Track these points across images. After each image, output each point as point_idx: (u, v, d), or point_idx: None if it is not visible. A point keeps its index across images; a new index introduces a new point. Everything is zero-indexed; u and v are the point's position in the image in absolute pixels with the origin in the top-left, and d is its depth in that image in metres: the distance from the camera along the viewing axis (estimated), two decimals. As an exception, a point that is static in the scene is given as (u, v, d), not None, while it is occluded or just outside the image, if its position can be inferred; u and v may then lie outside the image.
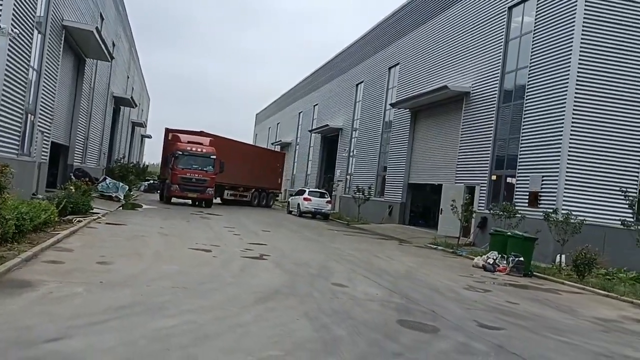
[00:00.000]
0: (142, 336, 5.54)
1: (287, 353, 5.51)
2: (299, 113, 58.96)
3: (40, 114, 19.35)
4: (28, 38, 16.91)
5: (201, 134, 32.43)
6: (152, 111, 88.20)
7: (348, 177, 40.99)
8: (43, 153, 20.52)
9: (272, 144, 67.61)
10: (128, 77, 47.72)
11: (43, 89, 19.32)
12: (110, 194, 25.19)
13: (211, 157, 29.46)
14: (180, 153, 28.79)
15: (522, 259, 14.96)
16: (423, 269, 13.95)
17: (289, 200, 37.90)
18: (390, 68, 35.55)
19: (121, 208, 22.62)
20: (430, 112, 29.54)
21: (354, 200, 32.70)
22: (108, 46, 27.19)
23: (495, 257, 15.57)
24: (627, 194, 14.80)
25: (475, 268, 15.54)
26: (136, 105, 49.65)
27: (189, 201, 30.09)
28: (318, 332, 6.43)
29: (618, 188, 16.30)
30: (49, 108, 20.67)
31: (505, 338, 7.24)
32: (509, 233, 16.10)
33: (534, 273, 15.24)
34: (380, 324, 7.20)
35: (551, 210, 16.77)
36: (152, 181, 46.03)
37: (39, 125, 19.25)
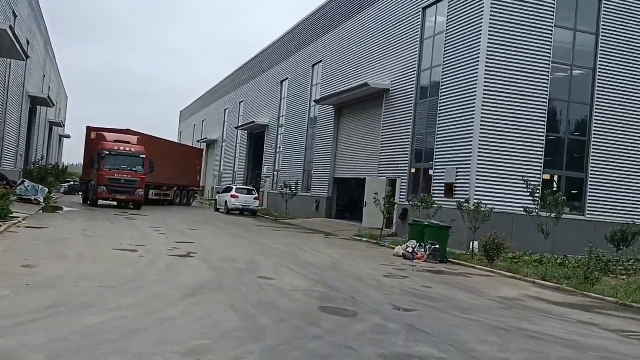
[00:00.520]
0: (71, 333, 5.75)
1: (213, 341, 5.88)
2: (225, 110, 58.66)
3: (-50, 115, 18.49)
4: None
5: (128, 132, 31.38)
6: (70, 110, 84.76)
7: (275, 173, 41.37)
8: (-46, 156, 19.61)
9: (198, 141, 66.83)
10: (44, 76, 45.78)
11: (-48, 90, 18.47)
12: (30, 197, 24.33)
13: (141, 156, 28.42)
14: (107, 153, 27.53)
15: (438, 246, 15.95)
16: (347, 260, 14.61)
17: (216, 197, 37.84)
18: (314, 65, 36.18)
19: (42, 211, 21.96)
20: (353, 108, 30.40)
21: (282, 196, 33.16)
22: (22, 45, 26.14)
23: (414, 246, 16.49)
24: (528, 183, 16.06)
25: (396, 257, 16.39)
26: (53, 105, 47.72)
27: (114, 202, 28.60)
28: (244, 322, 6.84)
29: (521, 178, 17.54)
30: (-41, 109, 19.76)
31: (417, 318, 7.93)
32: (426, 223, 17.08)
33: (450, 259, 16.28)
34: (303, 312, 7.69)
35: (463, 200, 17.92)
36: (72, 183, 44.57)
37: (-52, 128, 18.39)
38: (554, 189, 19.41)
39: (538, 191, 15.93)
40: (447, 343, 6.60)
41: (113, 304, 7.20)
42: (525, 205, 16.16)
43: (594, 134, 21.36)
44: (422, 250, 16.22)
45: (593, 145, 21.36)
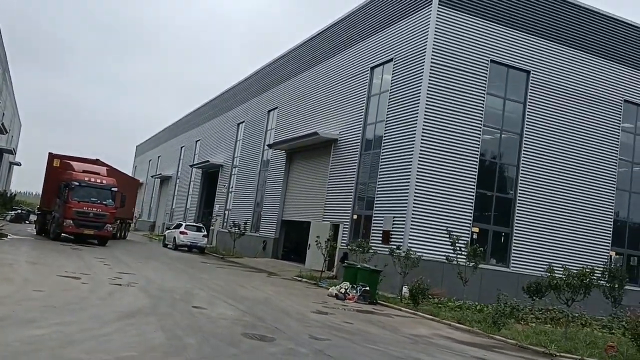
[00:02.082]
0: (15, 340, 6.59)
1: (140, 354, 6.81)
2: (181, 147, 59.34)
3: None
4: None
5: (97, 162, 30.40)
6: (23, 137, 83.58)
7: (227, 212, 42.08)
8: None
9: (152, 176, 67.01)
10: (-1, 102, 45.77)
11: None
12: (-26, 223, 24.43)
13: (112, 189, 27.13)
14: (77, 184, 25.83)
15: (368, 288, 17.12)
16: (281, 297, 15.58)
17: (165, 233, 38.21)
18: (269, 111, 37.65)
19: (-15, 237, 22.14)
20: (304, 154, 31.79)
21: (230, 235, 33.88)
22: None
23: (347, 287, 17.61)
24: (450, 234, 17.55)
25: (329, 297, 17.44)
26: (6, 132, 47.52)
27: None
28: (171, 341, 7.77)
29: (446, 230, 19.02)
30: None
31: (328, 346, 9.00)
32: (358, 266, 18.28)
33: (379, 301, 17.44)
34: (226, 336, 8.66)
35: (395, 247, 19.25)
36: (19, 211, 44.08)
37: None
38: (472, 242, 20.98)
39: (458, 242, 17.36)
40: (346, 365, 7.69)
41: (54, 320, 8.03)
42: (448, 255, 17.56)
43: (519, 192, 23.24)
44: (354, 291, 17.35)
45: (518, 202, 23.19)
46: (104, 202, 26.42)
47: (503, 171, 23.66)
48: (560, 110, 24.10)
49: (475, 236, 22.12)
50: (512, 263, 22.88)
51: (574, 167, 24.23)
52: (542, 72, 23.77)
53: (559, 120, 24.06)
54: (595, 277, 13.23)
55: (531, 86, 23.60)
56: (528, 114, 23.56)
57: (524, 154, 23.42)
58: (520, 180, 23.29)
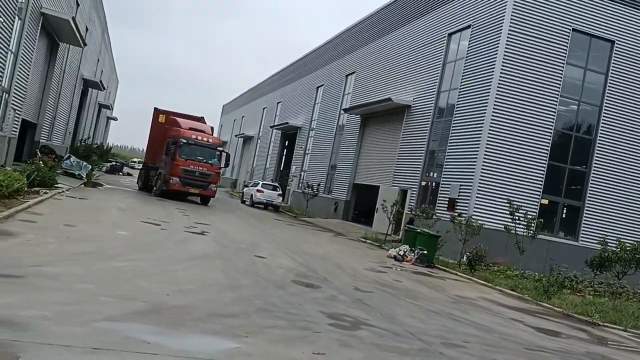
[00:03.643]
0: (99, 269, 7.90)
1: (199, 287, 7.95)
2: (263, 109, 61.20)
3: (15, 93, 21.17)
4: (9, 24, 18.80)
5: (201, 120, 29.80)
6: (120, 94, 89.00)
7: (303, 173, 43.48)
8: (14, 129, 22.31)
9: (236, 136, 69.63)
10: (98, 60, 49.11)
11: (18, 71, 21.15)
12: (74, 172, 27.03)
13: (218, 148, 26.74)
14: (185, 142, 25.22)
15: (425, 252, 17.73)
16: (341, 254, 16.55)
17: (244, 190, 40.17)
18: (347, 75, 38.19)
19: (83, 185, 24.54)
20: (377, 119, 32.27)
21: (303, 195, 35.21)
22: (82, 33, 28.95)
23: (405, 250, 18.30)
24: (510, 203, 17.69)
25: (388, 258, 18.23)
26: (104, 88, 51.06)
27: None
28: (228, 280, 8.90)
29: (507, 200, 19.05)
30: (23, 88, 22.48)
31: (369, 297, 9.84)
32: (418, 230, 18.86)
33: (436, 265, 18.03)
34: (278, 281, 9.70)
35: (456, 214, 19.61)
36: (114, 163, 47.63)
37: (12, 104, 21.08)
38: (540, 213, 20.89)
39: (517, 212, 17.49)
40: (379, 313, 8.51)
41: (133, 256, 9.38)
42: (507, 224, 17.77)
43: (594, 166, 22.70)
44: (412, 254, 18.02)
45: (592, 176, 22.70)
46: (210, 162, 25.94)
47: (579, 144, 23.12)
48: (645, 81, 23.06)
49: (544, 208, 22.05)
50: (582, 237, 22.59)
51: (656, 143, 23.25)
52: (628, 41, 22.78)
53: (642, 92, 23.06)
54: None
55: (615, 56, 22.73)
56: (609, 86, 22.78)
57: (602, 126, 22.78)
58: (597, 153, 22.74)
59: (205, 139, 26.16)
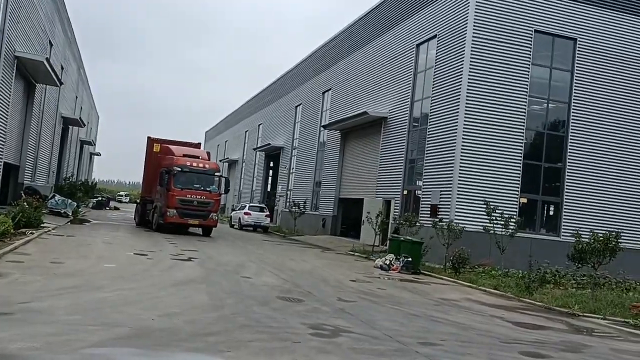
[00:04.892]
0: (86, 301, 8.18)
1: (184, 310, 8.25)
2: (245, 132, 61.67)
3: (-5, 137, 21.41)
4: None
5: (198, 146, 29.04)
6: (103, 128, 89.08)
7: (289, 192, 43.84)
8: (-4, 172, 22.50)
9: (220, 161, 69.89)
10: (77, 97, 49.38)
11: (-3, 115, 21.42)
12: (59, 210, 27.19)
13: (215, 174, 25.18)
14: (179, 169, 23.77)
15: (410, 259, 18.09)
16: (327, 269, 16.87)
17: (231, 214, 40.41)
18: (324, 92, 38.80)
19: (70, 223, 24.69)
20: (357, 133, 32.79)
21: (290, 214, 35.54)
22: (57, 72, 29.30)
23: (391, 259, 18.66)
24: (487, 204, 18.18)
25: (375, 268, 18.56)
26: (84, 125, 51.24)
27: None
28: (212, 301, 9.20)
29: (483, 201, 19.52)
30: (1, 131, 22.72)
31: (351, 306, 10.17)
32: (401, 238, 19.25)
33: (422, 271, 18.39)
34: (262, 298, 10.01)
35: (437, 220, 20.04)
36: (100, 198, 47.72)
37: (-7, 148, 21.31)
38: (520, 212, 21.48)
39: (494, 212, 17.96)
40: (360, 320, 8.84)
41: (119, 286, 9.65)
42: (486, 225, 18.23)
43: (569, 161, 23.28)
44: (398, 262, 18.37)
45: (568, 171, 23.28)
46: (208, 189, 24.45)
47: (551, 141, 23.72)
48: (610, 77, 23.83)
49: (523, 207, 22.56)
50: (563, 232, 23.06)
51: (626, 134, 23.98)
52: (590, 39, 23.57)
53: (609, 87, 23.81)
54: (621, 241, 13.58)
55: (578, 54, 23.48)
56: (576, 82, 23.48)
57: (572, 122, 23.43)
58: (570, 149, 23.36)
59: (201, 165, 24.72)
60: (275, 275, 13.59)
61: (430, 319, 9.79)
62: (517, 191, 22.47)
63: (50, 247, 14.76)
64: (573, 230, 22.81)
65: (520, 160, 22.56)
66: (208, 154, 28.18)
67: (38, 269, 10.69)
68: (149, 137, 28.46)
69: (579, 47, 23.44)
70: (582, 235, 14.00)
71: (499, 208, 18.84)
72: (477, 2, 22.26)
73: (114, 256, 14.20)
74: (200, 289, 10.27)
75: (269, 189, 51.82)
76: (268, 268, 15.07)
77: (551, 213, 23.81)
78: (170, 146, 26.63)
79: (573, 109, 23.43)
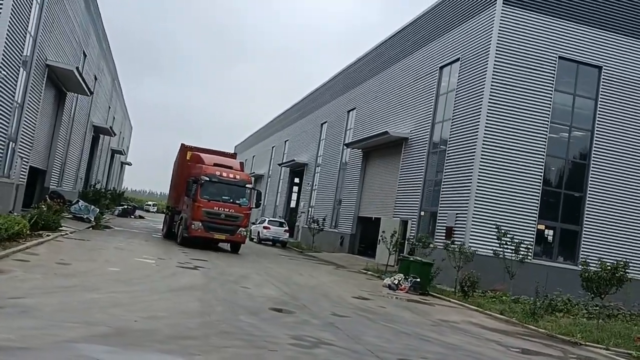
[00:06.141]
0: (75, 300, 8.36)
1: (171, 314, 8.35)
2: (272, 147, 62.22)
3: (21, 141, 22.11)
4: (14, 76, 19.84)
5: (233, 156, 27.24)
6: (136, 139, 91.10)
7: (310, 209, 43.92)
8: (21, 176, 23.19)
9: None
10: (109, 108, 50.67)
11: (25, 120, 22.15)
12: (82, 215, 27.75)
13: (247, 186, 23.26)
14: (207, 179, 22.06)
15: (419, 280, 17.91)
16: (333, 284, 16.82)
17: (251, 228, 40.61)
18: (349, 111, 38.98)
19: (91, 229, 25.17)
20: (378, 153, 32.79)
21: (309, 231, 35.56)
22: (88, 82, 30.15)
23: (400, 279, 18.49)
24: (499, 228, 17.92)
25: (383, 287, 18.42)
26: (115, 134, 52.45)
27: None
28: (202, 308, 9.29)
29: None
30: (29, 136, 23.44)
31: (342, 321, 10.12)
32: (411, 259, 19.09)
33: (430, 293, 18.17)
34: (254, 308, 10.06)
35: (449, 242, 19.83)
36: (125, 206, 48.57)
37: (19, 151, 22.00)
38: (537, 239, 21.15)
39: (504, 237, 17.69)
40: (346, 334, 8.80)
41: (114, 289, 9.83)
42: (495, 249, 17.94)
43: (590, 190, 22.82)
44: (406, 282, 18.20)
45: (588, 199, 22.80)
46: (238, 202, 22.65)
47: (572, 168, 23.32)
48: (636, 105, 23.35)
49: (540, 233, 22.17)
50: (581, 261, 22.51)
51: (650, 164, 23.37)
52: (615, 67, 23.21)
53: (633, 116, 23.33)
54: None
55: (603, 81, 23.14)
56: (600, 110, 23.10)
57: (595, 150, 23.00)
58: (591, 177, 22.91)
59: (231, 176, 22.77)
60: (277, 288, 13.62)
61: (420, 337, 9.68)
62: (535, 217, 22.09)
63: (61, 249, 15.10)
64: (591, 259, 22.60)
65: (540, 186, 22.21)
66: (241, 164, 26.51)
67: (41, 269, 10.96)
68: (182, 144, 27.23)
69: (604, 75, 23.11)
70: (591, 264, 13.63)
71: (513, 233, 18.58)
72: (500, 26, 22.20)
73: (121, 261, 14.45)
74: (195, 296, 10.37)
75: (292, 205, 52.02)
76: (272, 281, 15.11)
77: (569, 241, 23.27)
78: (202, 154, 25.04)
79: (596, 137, 23.03)
